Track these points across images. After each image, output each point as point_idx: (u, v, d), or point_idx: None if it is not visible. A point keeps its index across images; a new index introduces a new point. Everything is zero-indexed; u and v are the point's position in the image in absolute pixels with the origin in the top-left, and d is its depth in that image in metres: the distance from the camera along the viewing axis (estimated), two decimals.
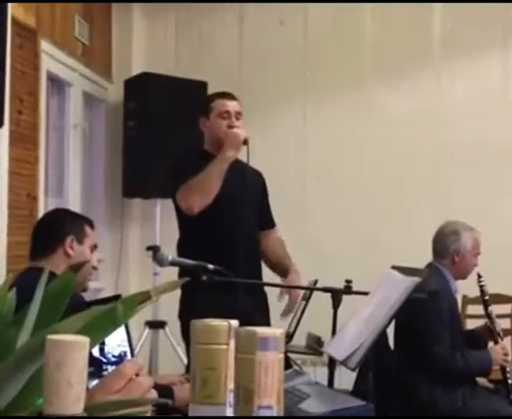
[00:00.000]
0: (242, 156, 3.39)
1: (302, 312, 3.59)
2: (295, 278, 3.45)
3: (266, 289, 3.54)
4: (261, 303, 3.51)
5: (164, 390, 2.12)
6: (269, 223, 3.67)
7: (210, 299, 3.03)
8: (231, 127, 3.41)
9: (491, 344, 3.61)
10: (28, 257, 2.73)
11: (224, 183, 3.35)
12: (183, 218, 3.47)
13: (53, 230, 2.65)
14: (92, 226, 2.75)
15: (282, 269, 3.54)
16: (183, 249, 3.48)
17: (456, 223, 3.67)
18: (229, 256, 3.27)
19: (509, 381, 3.52)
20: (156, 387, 2.13)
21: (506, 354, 3.53)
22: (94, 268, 2.76)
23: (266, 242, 3.62)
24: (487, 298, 3.61)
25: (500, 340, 3.57)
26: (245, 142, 3.34)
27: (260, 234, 3.62)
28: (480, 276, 3.61)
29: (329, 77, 5.37)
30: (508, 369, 3.54)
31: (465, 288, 3.94)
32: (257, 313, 3.32)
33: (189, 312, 3.38)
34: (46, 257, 2.56)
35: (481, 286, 3.62)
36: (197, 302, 3.22)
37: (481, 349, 3.58)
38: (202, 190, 3.31)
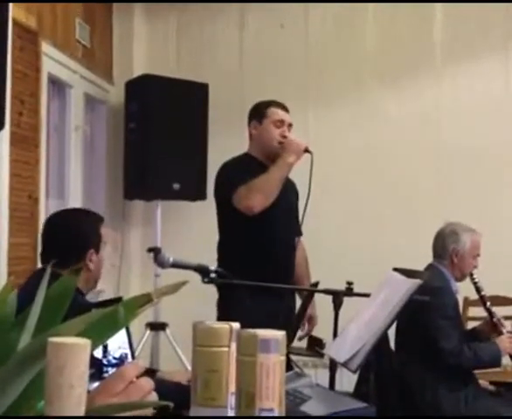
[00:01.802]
0: (306, 164, 3.50)
1: (304, 314, 3.60)
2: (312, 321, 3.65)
3: None
4: (292, 307, 3.62)
5: (182, 388, 2.10)
6: (298, 232, 3.77)
7: (246, 304, 3.16)
8: (284, 136, 3.54)
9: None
10: (40, 256, 2.72)
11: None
12: (230, 221, 3.53)
13: (75, 245, 2.62)
14: (103, 222, 2.75)
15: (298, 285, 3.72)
16: (226, 252, 3.56)
17: (456, 224, 3.69)
18: (274, 261, 3.46)
19: None
20: (171, 385, 2.12)
21: None
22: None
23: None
24: (483, 293, 3.63)
25: (504, 330, 3.58)
26: (307, 151, 3.49)
27: None
28: (472, 274, 3.63)
29: (330, 80, 5.37)
30: None
31: (466, 290, 3.94)
32: (288, 317, 3.46)
33: (226, 318, 3.43)
34: (65, 266, 2.54)
35: (475, 283, 3.64)
36: (232, 309, 3.34)
37: (487, 342, 3.59)
38: (263, 192, 3.40)
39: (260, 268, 3.38)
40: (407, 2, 5.24)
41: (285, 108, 3.65)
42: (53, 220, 2.80)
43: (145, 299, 0.97)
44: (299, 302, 3.61)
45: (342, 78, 5.36)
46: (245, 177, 3.41)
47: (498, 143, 5.15)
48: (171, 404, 0.97)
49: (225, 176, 3.56)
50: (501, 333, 3.57)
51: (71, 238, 2.64)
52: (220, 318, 3.46)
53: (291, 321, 3.52)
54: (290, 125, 3.61)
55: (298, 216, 3.71)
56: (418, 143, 5.26)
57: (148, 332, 4.83)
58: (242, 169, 3.50)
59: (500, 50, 5.25)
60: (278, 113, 3.60)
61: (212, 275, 2.79)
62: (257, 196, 3.39)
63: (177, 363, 4.49)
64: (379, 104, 5.31)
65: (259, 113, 3.62)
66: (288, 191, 3.58)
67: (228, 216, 3.53)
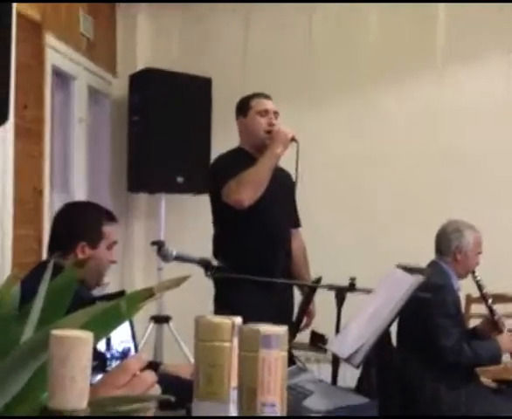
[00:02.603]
0: (292, 154, 3.46)
1: (306, 310, 3.60)
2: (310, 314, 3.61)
3: None
4: (290, 301, 3.62)
5: (185, 382, 2.10)
6: (296, 223, 3.76)
7: (245, 298, 3.14)
8: (271, 124, 3.51)
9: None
10: (47, 249, 2.75)
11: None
12: (224, 215, 3.52)
13: (66, 234, 2.63)
14: (113, 221, 2.71)
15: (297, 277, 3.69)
16: (221, 245, 3.55)
17: (459, 221, 3.69)
18: (269, 253, 3.44)
19: None
20: (174, 379, 2.12)
21: None
22: (112, 262, 2.74)
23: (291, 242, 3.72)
24: (485, 291, 3.63)
25: (504, 329, 3.58)
26: (294, 140, 3.44)
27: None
28: (473, 271, 3.63)
29: (332, 79, 5.37)
30: None
31: (468, 287, 3.93)
32: (288, 311, 3.46)
33: (224, 311, 3.46)
34: (58, 254, 2.56)
35: (477, 281, 3.64)
36: (232, 301, 3.32)
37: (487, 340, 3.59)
38: (252, 185, 3.39)
39: (253, 260, 3.38)
40: (409, 2, 5.23)
41: (268, 97, 3.62)
42: (59, 212, 2.81)
43: (148, 293, 0.97)
44: (297, 296, 3.62)
45: (343, 77, 5.36)
46: (235, 171, 3.39)
47: (499, 143, 5.14)
48: (173, 398, 0.97)
49: (216, 170, 3.57)
50: (501, 332, 3.57)
51: (63, 228, 2.65)
52: (219, 313, 3.47)
53: (287, 315, 3.53)
54: (276, 112, 3.58)
55: (293, 207, 3.71)
56: (420, 142, 5.26)
57: (151, 325, 4.84)
58: (232, 163, 3.49)
59: (502, 50, 5.23)
60: (261, 103, 3.58)
61: (215, 269, 2.80)
62: (246, 190, 3.38)
63: (181, 356, 4.50)
64: (381, 104, 5.31)
65: (243, 106, 3.61)
66: (281, 182, 3.55)
67: (219, 209, 3.53)
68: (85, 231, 2.61)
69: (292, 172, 3.60)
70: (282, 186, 3.57)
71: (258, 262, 3.38)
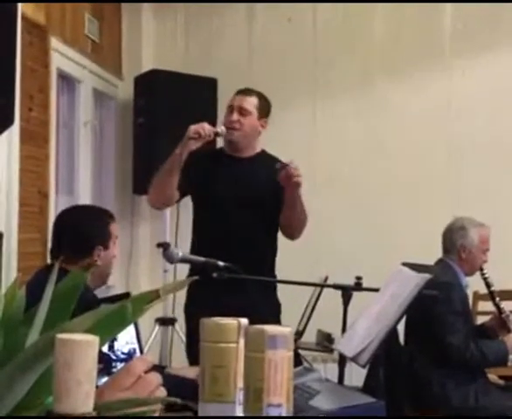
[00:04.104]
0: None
1: (313, 309, 3.59)
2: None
3: (283, 288, 3.48)
4: (264, 302, 3.34)
5: (190, 383, 2.10)
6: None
7: (202, 297, 3.10)
8: (229, 121, 3.36)
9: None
10: (50, 253, 2.78)
11: (218, 182, 3.37)
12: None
13: (82, 242, 2.67)
14: (114, 218, 2.80)
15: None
16: (191, 247, 3.51)
17: (464, 218, 3.67)
18: (217, 256, 3.04)
19: None
20: (179, 380, 2.12)
21: None
22: (114, 256, 2.80)
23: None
24: (492, 289, 3.61)
25: None
26: (197, 138, 3.24)
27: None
28: (482, 269, 3.61)
29: (338, 73, 5.36)
30: None
31: (476, 284, 3.93)
32: (259, 312, 3.31)
33: (187, 307, 3.48)
34: (73, 263, 2.57)
35: (485, 279, 3.62)
36: (193, 298, 3.31)
37: (495, 340, 3.58)
38: (156, 187, 3.37)
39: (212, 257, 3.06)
40: None
41: (244, 92, 3.44)
42: (63, 217, 2.85)
43: (153, 296, 0.97)
44: (287, 296, 3.46)
45: (350, 71, 5.35)
46: (185, 170, 3.29)
47: (509, 135, 5.12)
48: (179, 400, 0.97)
49: None
50: (509, 331, 3.55)
51: (79, 235, 2.69)
52: (187, 309, 3.47)
53: (258, 317, 3.37)
54: (242, 108, 3.37)
55: (260, 204, 3.43)
56: (428, 136, 5.24)
57: (157, 327, 4.84)
58: (188, 162, 3.33)
59: (510, 41, 5.21)
60: (231, 98, 3.45)
61: (220, 270, 2.79)
62: (151, 191, 3.39)
63: (187, 359, 4.50)
64: (388, 97, 5.30)
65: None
66: (253, 179, 3.39)
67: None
68: (99, 236, 2.69)
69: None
70: (252, 186, 3.39)
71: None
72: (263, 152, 3.53)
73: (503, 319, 3.57)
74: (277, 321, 3.37)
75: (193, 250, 3.36)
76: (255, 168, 3.42)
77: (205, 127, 3.24)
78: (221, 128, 3.36)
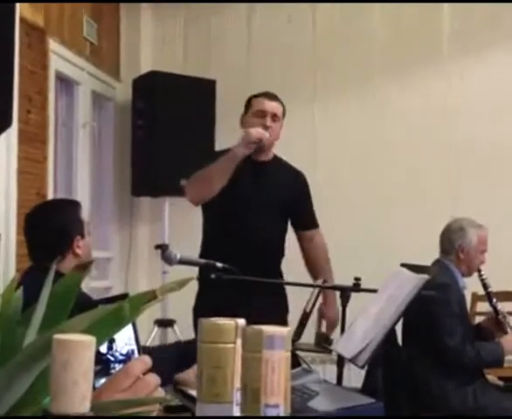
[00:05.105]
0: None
1: (311, 310, 3.58)
2: (330, 307, 3.45)
3: (291, 289, 3.51)
4: (275, 304, 3.47)
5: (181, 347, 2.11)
6: (308, 224, 3.65)
7: (216, 299, 3.07)
8: (265, 127, 3.40)
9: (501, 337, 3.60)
10: (29, 255, 2.76)
11: (240, 185, 3.38)
12: (203, 215, 3.51)
13: (60, 238, 2.66)
14: (80, 206, 2.79)
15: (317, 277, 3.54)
16: (201, 247, 3.53)
17: (463, 219, 3.68)
18: (233, 257, 3.13)
19: None
20: (170, 348, 2.11)
21: None
22: None
23: (307, 245, 3.62)
24: (490, 290, 3.61)
25: (508, 329, 3.56)
26: (258, 143, 3.31)
27: (302, 235, 3.63)
28: (479, 270, 3.61)
29: (338, 74, 5.36)
30: None
31: (474, 285, 3.93)
32: (268, 314, 3.34)
33: (198, 308, 3.44)
34: (57, 261, 2.56)
35: (483, 280, 3.62)
36: (206, 300, 3.28)
37: (492, 341, 3.58)
38: (202, 183, 3.34)
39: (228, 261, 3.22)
40: None
41: (273, 98, 3.50)
42: (33, 216, 2.80)
43: (150, 296, 0.97)
44: (295, 297, 3.53)
45: (349, 71, 5.35)
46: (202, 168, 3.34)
47: (507, 136, 5.13)
48: (178, 401, 0.97)
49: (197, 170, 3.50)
50: (505, 332, 3.55)
51: (55, 231, 2.67)
52: (196, 311, 3.46)
53: (281, 319, 3.43)
54: (275, 115, 3.45)
55: (302, 207, 3.59)
56: (427, 136, 5.25)
57: (156, 328, 4.84)
58: (206, 161, 3.39)
59: (509, 41, 5.22)
60: (260, 103, 3.47)
61: (219, 271, 2.79)
62: (195, 188, 3.36)
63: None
64: (387, 97, 5.30)
65: (247, 103, 3.56)
66: (274, 183, 3.47)
67: (202, 210, 3.52)
68: (74, 226, 2.67)
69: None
70: (272, 186, 3.46)
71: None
72: (275, 156, 3.60)
73: (500, 321, 3.57)
74: (286, 323, 3.45)
75: (206, 252, 3.40)
76: (274, 172, 3.52)
77: (265, 133, 3.33)
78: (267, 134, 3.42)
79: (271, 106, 3.46)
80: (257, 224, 3.41)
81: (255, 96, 3.57)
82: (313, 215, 3.68)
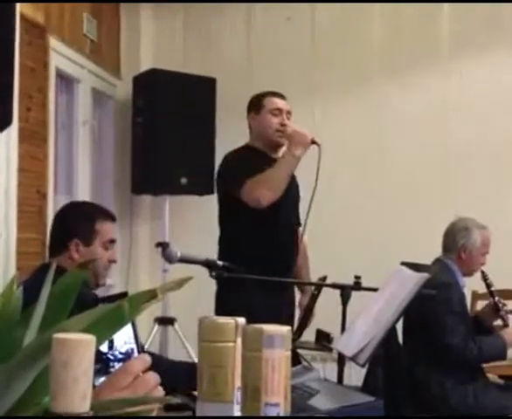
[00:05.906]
0: (313, 156, 3.49)
1: (312, 308, 3.59)
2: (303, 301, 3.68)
3: None
4: (293, 301, 3.66)
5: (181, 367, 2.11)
6: (299, 221, 3.77)
7: (247, 299, 3.18)
8: (283, 124, 3.53)
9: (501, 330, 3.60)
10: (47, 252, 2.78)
11: None
12: (234, 214, 3.52)
13: (59, 234, 2.64)
14: (108, 219, 2.68)
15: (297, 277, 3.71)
16: (228, 245, 3.56)
17: (467, 219, 3.67)
18: (277, 253, 3.46)
19: None
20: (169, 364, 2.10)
21: None
22: (112, 261, 2.69)
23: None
24: (493, 288, 3.60)
25: (509, 322, 3.56)
26: (314, 142, 3.46)
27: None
28: (483, 272, 3.61)
29: (337, 74, 5.36)
30: None
31: (474, 284, 3.93)
32: (289, 311, 3.48)
33: (225, 310, 3.44)
34: (56, 257, 2.57)
35: (486, 281, 3.61)
36: (232, 301, 3.34)
37: (492, 334, 3.58)
38: (271, 185, 3.40)
39: (264, 259, 3.38)
40: None
41: (282, 96, 3.64)
42: (58, 212, 2.87)
43: (150, 295, 0.97)
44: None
45: (348, 71, 5.35)
46: (250, 169, 3.41)
47: (506, 136, 5.13)
48: (178, 400, 0.97)
49: (230, 169, 3.55)
50: (505, 325, 3.55)
51: (56, 228, 2.69)
52: (220, 311, 3.45)
53: (289, 315, 3.54)
54: (289, 112, 3.60)
55: (298, 205, 3.73)
56: (426, 137, 5.25)
57: (156, 327, 4.84)
58: (245, 162, 3.50)
59: (508, 41, 5.22)
60: (274, 102, 3.59)
61: (220, 269, 2.79)
62: (264, 191, 3.39)
63: (186, 358, 4.50)
64: (386, 98, 5.30)
65: (256, 103, 3.62)
66: (293, 180, 3.59)
67: (232, 210, 3.52)
68: (77, 228, 2.59)
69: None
70: (290, 188, 3.57)
71: (267, 260, 3.38)
72: None
73: (499, 311, 3.56)
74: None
75: (235, 249, 3.47)
76: None
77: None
78: None
79: (284, 104, 3.61)
80: (285, 221, 3.56)
81: (263, 95, 3.63)
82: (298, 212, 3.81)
